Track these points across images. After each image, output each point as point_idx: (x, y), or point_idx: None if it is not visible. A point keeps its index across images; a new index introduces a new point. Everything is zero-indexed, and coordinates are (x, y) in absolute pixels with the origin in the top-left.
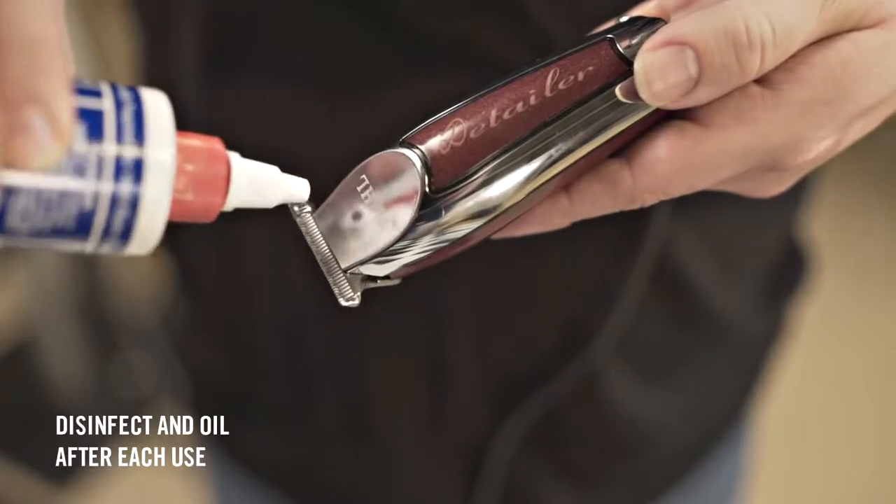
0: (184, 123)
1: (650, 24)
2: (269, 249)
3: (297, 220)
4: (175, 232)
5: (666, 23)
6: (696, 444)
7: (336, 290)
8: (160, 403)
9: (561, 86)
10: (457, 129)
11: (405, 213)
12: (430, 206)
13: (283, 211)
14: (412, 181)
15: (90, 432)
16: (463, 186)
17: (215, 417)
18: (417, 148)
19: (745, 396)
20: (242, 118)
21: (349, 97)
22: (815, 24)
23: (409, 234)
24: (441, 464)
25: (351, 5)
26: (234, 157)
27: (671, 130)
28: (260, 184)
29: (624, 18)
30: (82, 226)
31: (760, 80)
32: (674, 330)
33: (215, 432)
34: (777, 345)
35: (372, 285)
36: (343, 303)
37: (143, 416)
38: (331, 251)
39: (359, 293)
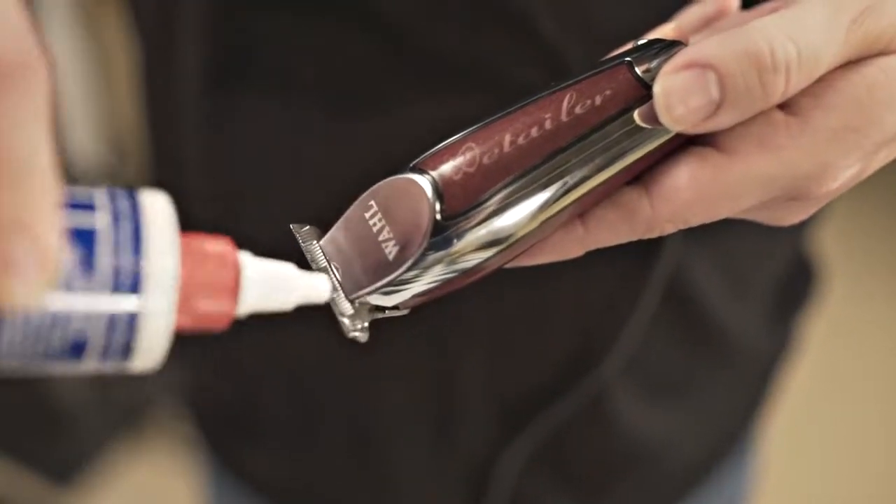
0: (184, 140)
1: (669, 47)
2: None
3: (302, 246)
4: None
5: (685, 46)
6: (703, 460)
7: (342, 322)
8: (161, 405)
9: (577, 110)
10: (469, 155)
11: (415, 242)
12: (442, 234)
13: (287, 236)
14: (423, 208)
15: (90, 432)
16: (475, 214)
17: (215, 431)
18: (428, 174)
19: (753, 412)
20: (244, 137)
21: (355, 118)
22: (842, 47)
23: (419, 263)
24: (447, 482)
25: (357, 23)
26: (246, 257)
27: (692, 157)
28: (275, 286)
29: (642, 41)
30: (76, 349)
31: (784, 107)
32: (683, 349)
33: (214, 445)
34: (785, 360)
35: (380, 315)
36: (350, 335)
37: (144, 418)
38: (337, 280)
39: (366, 325)
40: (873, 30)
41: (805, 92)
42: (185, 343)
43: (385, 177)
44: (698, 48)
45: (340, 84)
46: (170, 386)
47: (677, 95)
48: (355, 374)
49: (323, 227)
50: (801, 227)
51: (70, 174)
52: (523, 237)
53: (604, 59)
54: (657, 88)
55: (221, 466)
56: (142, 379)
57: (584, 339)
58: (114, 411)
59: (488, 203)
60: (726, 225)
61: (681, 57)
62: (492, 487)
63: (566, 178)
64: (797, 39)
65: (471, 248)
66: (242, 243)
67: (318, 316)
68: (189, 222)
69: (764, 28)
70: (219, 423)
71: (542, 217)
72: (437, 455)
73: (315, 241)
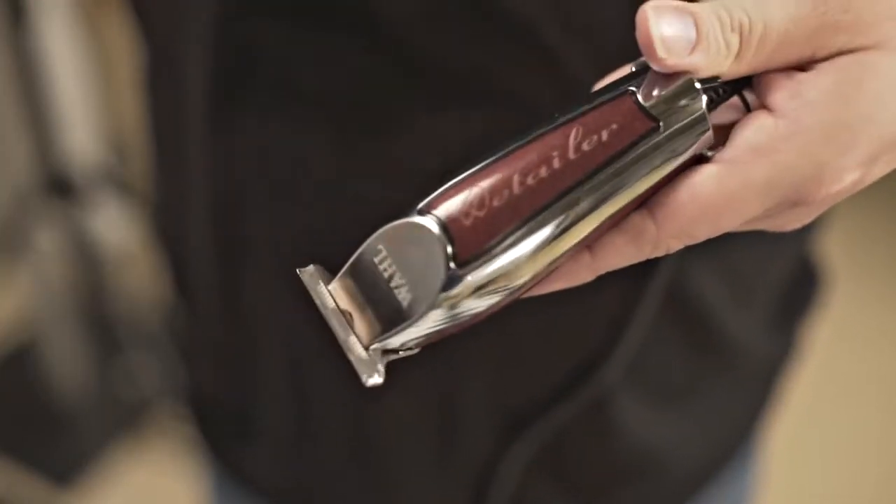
0: (189, 148)
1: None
2: (270, 276)
3: (312, 293)
4: (179, 264)
5: None
6: (706, 466)
7: (358, 369)
8: (161, 405)
9: (584, 147)
10: (478, 197)
11: (429, 288)
12: (455, 278)
13: (290, 243)
14: (435, 254)
15: (90, 432)
16: (487, 257)
17: (215, 432)
18: (437, 217)
19: (756, 417)
20: (249, 148)
21: (359, 131)
22: (796, 23)
23: (434, 308)
24: (448, 486)
25: (359, 35)
26: None
27: (691, 173)
28: None
29: (642, 60)
30: None
31: (773, 111)
32: (685, 355)
33: (214, 446)
34: (789, 365)
35: (393, 357)
36: (368, 382)
37: (144, 418)
38: (350, 326)
39: (382, 368)
40: (831, 21)
41: (789, 94)
42: (185, 343)
43: (391, 219)
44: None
45: (344, 97)
46: (170, 386)
47: (666, 26)
48: (355, 386)
49: (325, 238)
50: (804, 233)
51: (69, 174)
52: (534, 276)
53: (606, 85)
54: (650, 17)
55: (221, 467)
56: (142, 379)
57: (584, 346)
58: (114, 411)
59: (500, 245)
60: (729, 233)
61: (660, 2)
62: (493, 492)
63: (577, 216)
64: (751, 11)
65: (484, 290)
66: (246, 251)
67: (319, 318)
68: (191, 230)
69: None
70: (219, 424)
71: (554, 255)
72: (439, 459)
73: (322, 284)
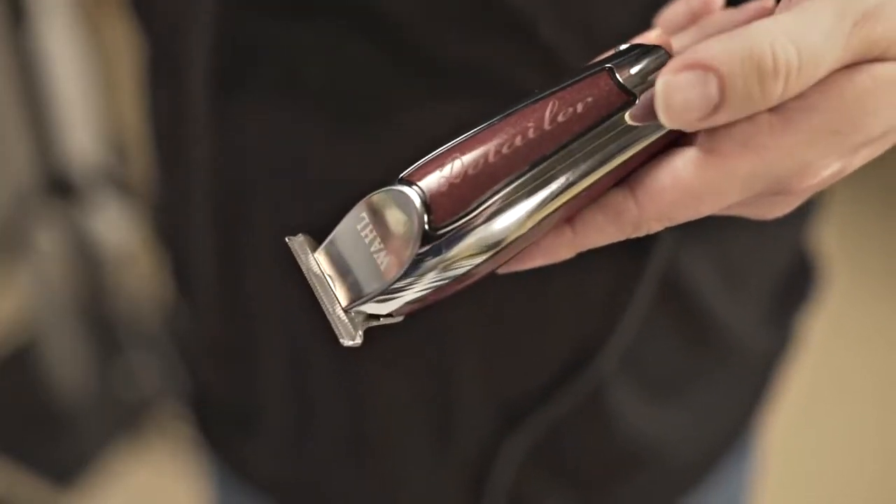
0: (191, 142)
1: (649, 52)
2: (272, 272)
3: (298, 258)
4: (179, 263)
5: (664, 50)
6: (703, 459)
7: (337, 330)
8: (161, 405)
9: (560, 118)
10: (455, 166)
11: (405, 252)
12: (431, 243)
13: (283, 241)
14: (412, 219)
15: (90, 432)
16: (463, 223)
17: (215, 428)
18: (416, 185)
19: (753, 410)
20: (250, 142)
21: (358, 123)
22: (842, 52)
23: (410, 272)
24: (445, 479)
25: (358, 28)
26: None
27: (675, 158)
28: None
29: (623, 47)
30: None
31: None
32: (680, 346)
33: (214, 445)
34: (785, 358)
35: (374, 323)
36: (346, 343)
37: (144, 418)
38: (332, 290)
39: (361, 332)
40: (871, 34)
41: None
42: (185, 342)
43: (380, 184)
44: (702, 48)
45: (343, 89)
46: (170, 386)
47: (678, 95)
48: (355, 372)
49: (325, 231)
50: (799, 225)
51: (70, 174)
52: (511, 243)
53: (586, 65)
54: (659, 86)
55: (223, 464)
56: (142, 379)
57: (579, 335)
58: (114, 411)
59: (475, 212)
60: (723, 223)
61: (684, 57)
62: (490, 485)
63: (551, 185)
64: (799, 45)
65: (459, 256)
66: (246, 248)
67: (318, 316)
68: (192, 228)
69: (768, 31)
70: (220, 421)
71: (529, 223)
72: (436, 453)
73: (310, 252)
